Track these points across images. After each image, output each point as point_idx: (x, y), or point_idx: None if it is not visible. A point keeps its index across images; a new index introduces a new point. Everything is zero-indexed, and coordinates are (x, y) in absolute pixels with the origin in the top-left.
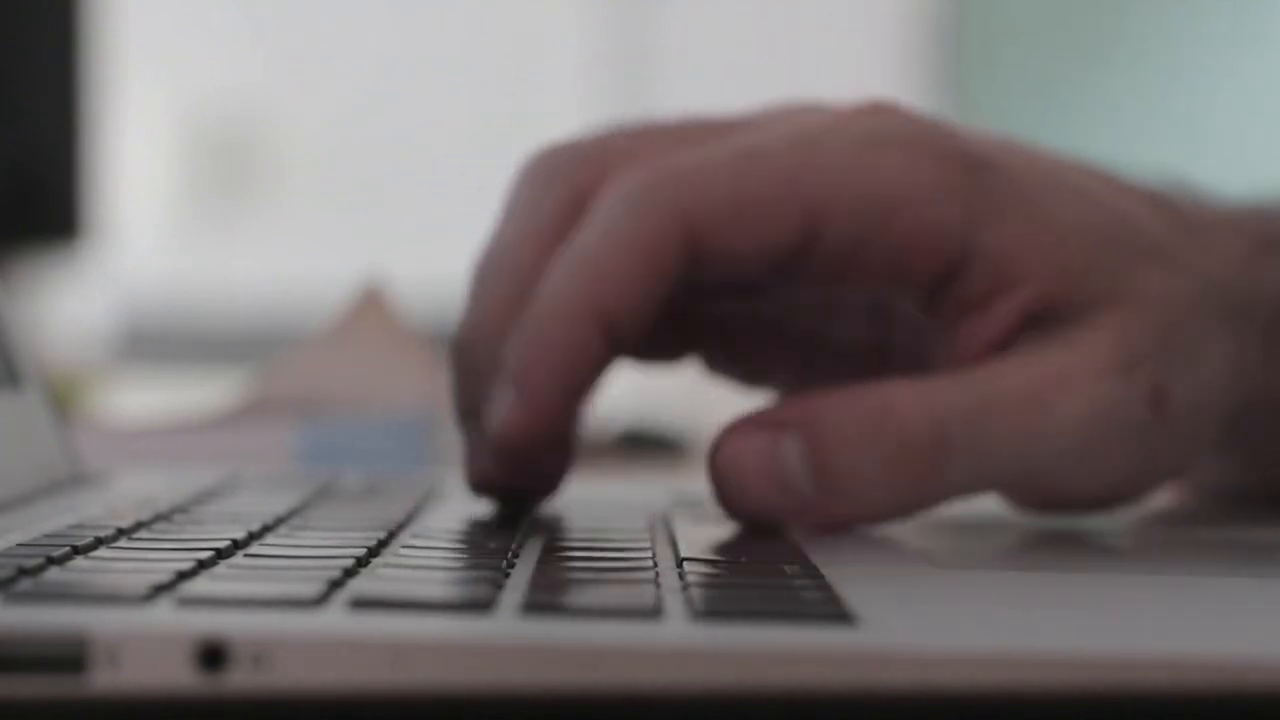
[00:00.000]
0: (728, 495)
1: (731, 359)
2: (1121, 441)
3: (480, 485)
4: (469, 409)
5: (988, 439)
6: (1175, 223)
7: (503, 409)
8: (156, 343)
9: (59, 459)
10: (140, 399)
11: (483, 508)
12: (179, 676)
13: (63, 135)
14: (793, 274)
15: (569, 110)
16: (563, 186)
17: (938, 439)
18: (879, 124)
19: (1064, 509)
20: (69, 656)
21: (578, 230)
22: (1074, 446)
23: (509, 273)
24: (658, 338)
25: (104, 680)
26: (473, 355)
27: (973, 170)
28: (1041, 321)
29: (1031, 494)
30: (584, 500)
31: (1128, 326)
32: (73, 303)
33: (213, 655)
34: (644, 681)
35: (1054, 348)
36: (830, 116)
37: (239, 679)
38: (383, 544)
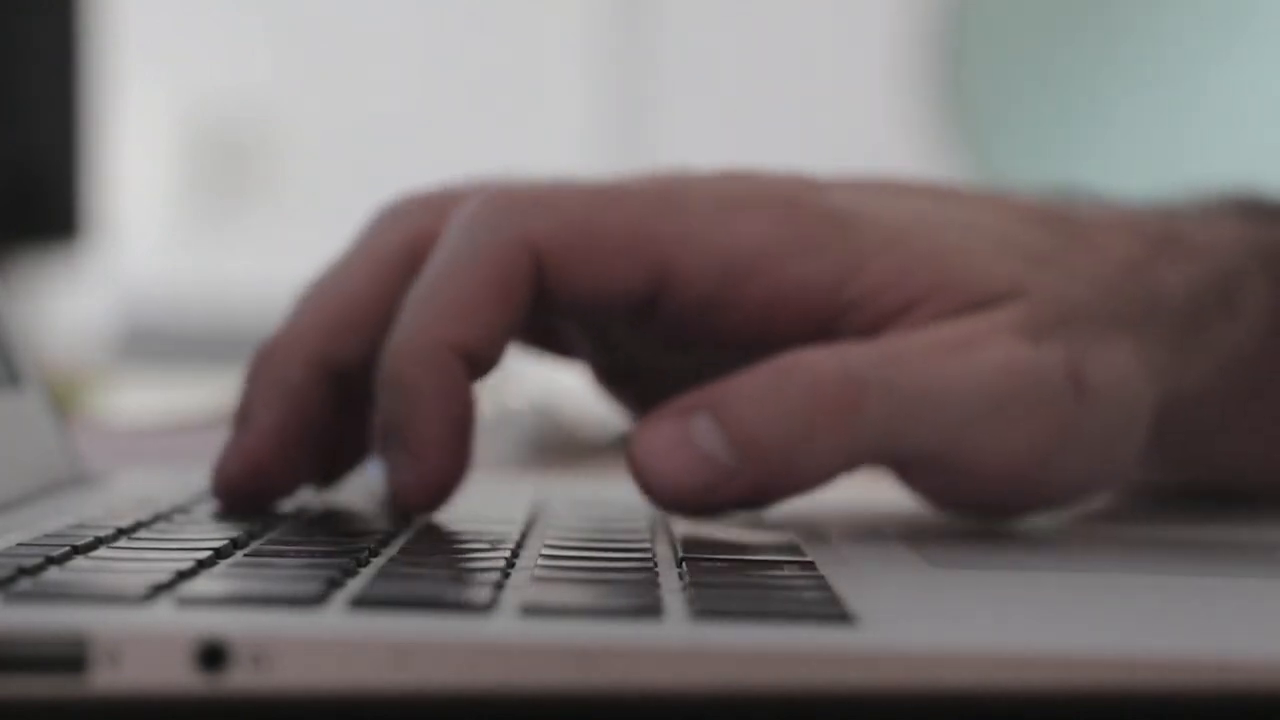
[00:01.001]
0: (653, 486)
1: (613, 389)
2: (1037, 405)
3: (227, 490)
4: (245, 415)
5: (899, 381)
6: (1064, 234)
7: (401, 474)
8: (156, 343)
9: (59, 459)
10: (140, 399)
11: (483, 508)
12: (179, 676)
13: (63, 135)
14: (649, 324)
15: (570, 112)
16: (399, 228)
17: (849, 381)
18: (740, 186)
19: (988, 495)
20: (69, 656)
21: (427, 259)
22: (987, 397)
23: (327, 296)
24: (546, 336)
25: (104, 680)
26: (268, 366)
27: (835, 224)
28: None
29: (952, 468)
30: (584, 500)
31: (1031, 311)
32: (73, 303)
33: (213, 655)
34: (644, 681)
35: (959, 321)
36: (694, 178)
37: (239, 679)
38: (382, 544)
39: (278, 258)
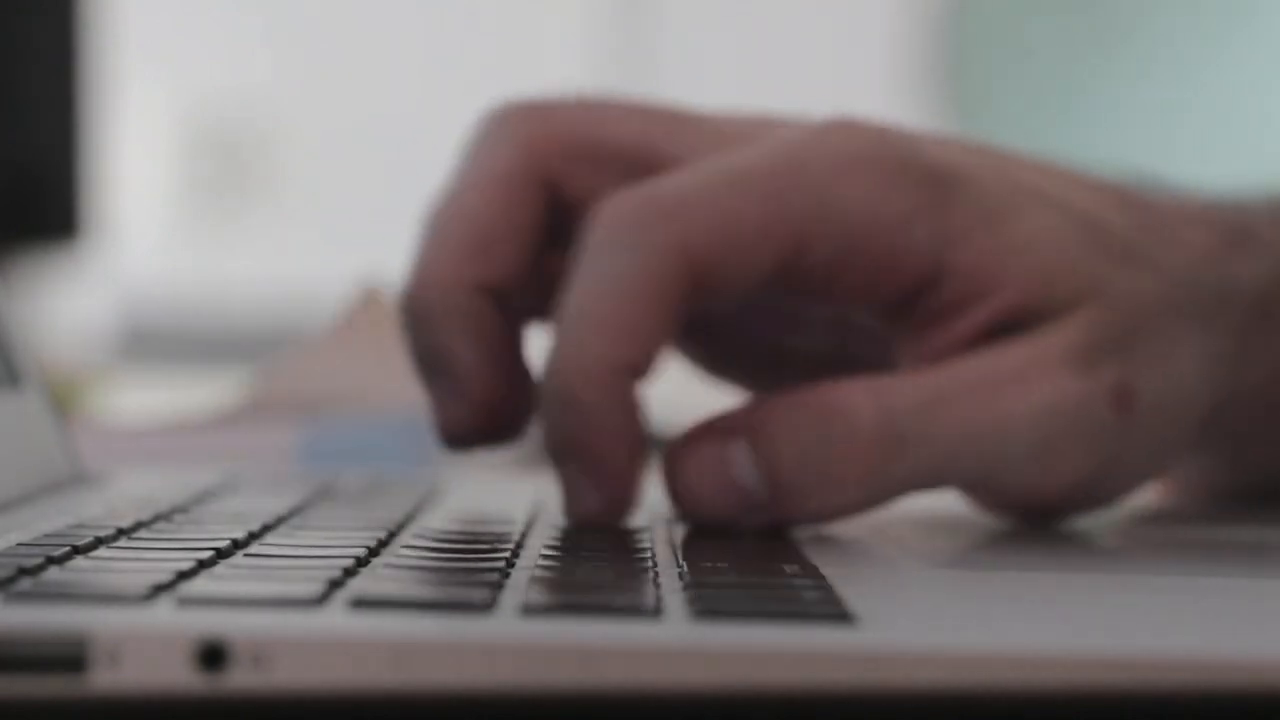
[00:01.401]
0: (683, 501)
1: (690, 346)
2: (1080, 439)
3: (454, 439)
4: (428, 360)
5: (939, 431)
6: (1144, 221)
7: (583, 494)
8: (156, 343)
9: (59, 459)
10: (140, 399)
11: (483, 508)
12: (179, 676)
13: (63, 135)
14: (769, 293)
15: None
16: (514, 140)
17: (886, 433)
18: (852, 142)
19: (1028, 510)
20: (69, 656)
21: (578, 268)
22: (1029, 441)
23: (459, 222)
24: None
25: (104, 680)
26: (427, 305)
27: (940, 188)
28: (1011, 327)
29: (990, 493)
30: None
31: (1092, 324)
32: (73, 303)
33: (213, 655)
34: (644, 681)
35: (1013, 346)
36: (804, 133)
37: (239, 679)
38: (383, 544)
39: (277, 258)
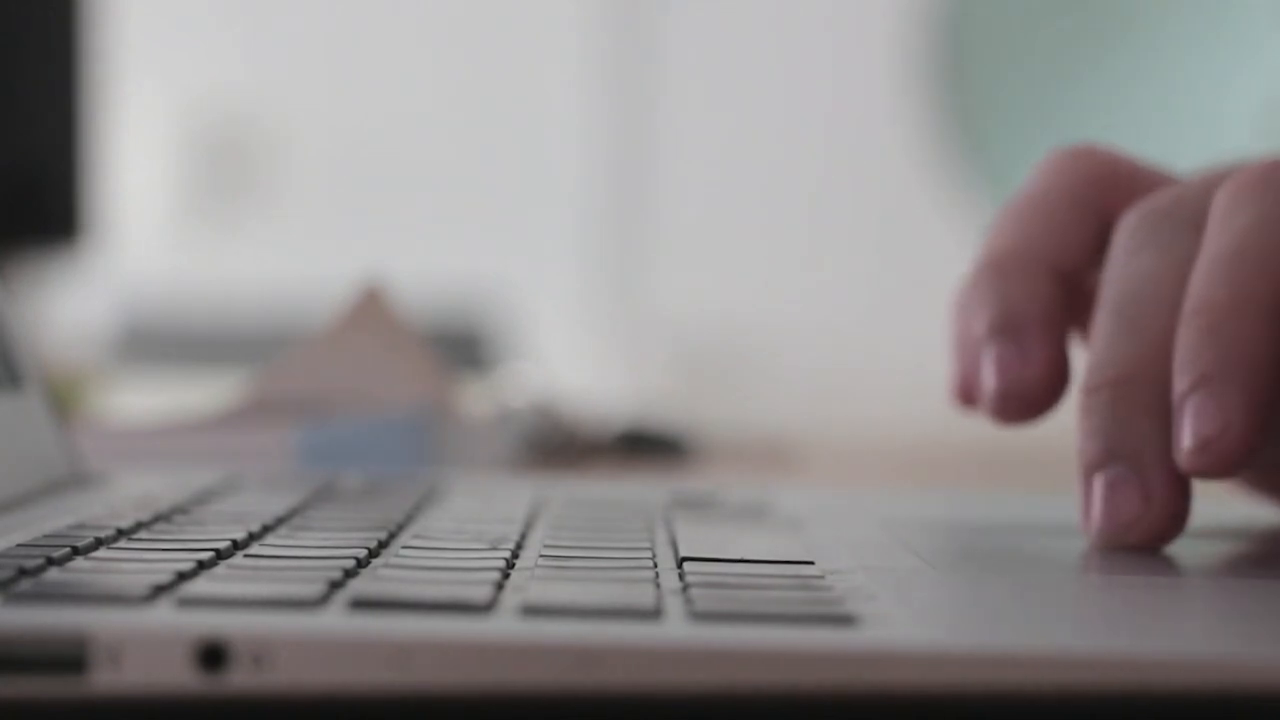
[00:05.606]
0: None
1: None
2: None
3: (1010, 400)
4: (1004, 320)
5: None
6: None
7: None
8: (156, 343)
9: (59, 459)
10: (140, 399)
11: (483, 508)
12: (179, 676)
13: (63, 135)
14: None
15: (570, 113)
16: (1077, 170)
17: None
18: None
19: None
20: (69, 656)
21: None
22: None
23: (1036, 215)
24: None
25: (104, 680)
26: (1014, 277)
27: None
28: None
29: None
30: (584, 500)
31: None
32: (73, 303)
33: (213, 655)
34: (644, 681)
35: None
36: None
37: (239, 679)
38: (383, 544)
39: (277, 258)
